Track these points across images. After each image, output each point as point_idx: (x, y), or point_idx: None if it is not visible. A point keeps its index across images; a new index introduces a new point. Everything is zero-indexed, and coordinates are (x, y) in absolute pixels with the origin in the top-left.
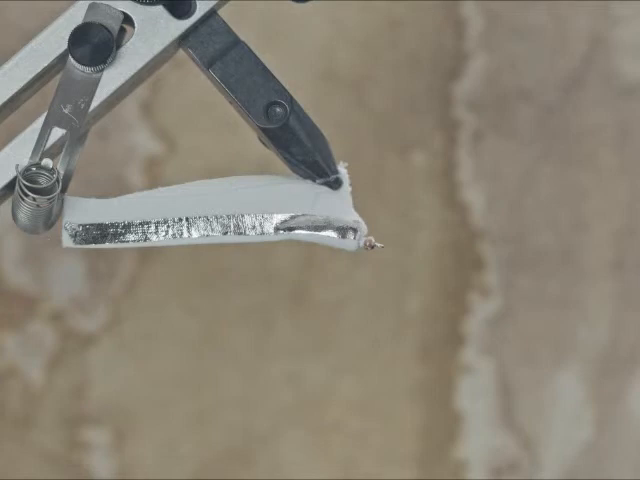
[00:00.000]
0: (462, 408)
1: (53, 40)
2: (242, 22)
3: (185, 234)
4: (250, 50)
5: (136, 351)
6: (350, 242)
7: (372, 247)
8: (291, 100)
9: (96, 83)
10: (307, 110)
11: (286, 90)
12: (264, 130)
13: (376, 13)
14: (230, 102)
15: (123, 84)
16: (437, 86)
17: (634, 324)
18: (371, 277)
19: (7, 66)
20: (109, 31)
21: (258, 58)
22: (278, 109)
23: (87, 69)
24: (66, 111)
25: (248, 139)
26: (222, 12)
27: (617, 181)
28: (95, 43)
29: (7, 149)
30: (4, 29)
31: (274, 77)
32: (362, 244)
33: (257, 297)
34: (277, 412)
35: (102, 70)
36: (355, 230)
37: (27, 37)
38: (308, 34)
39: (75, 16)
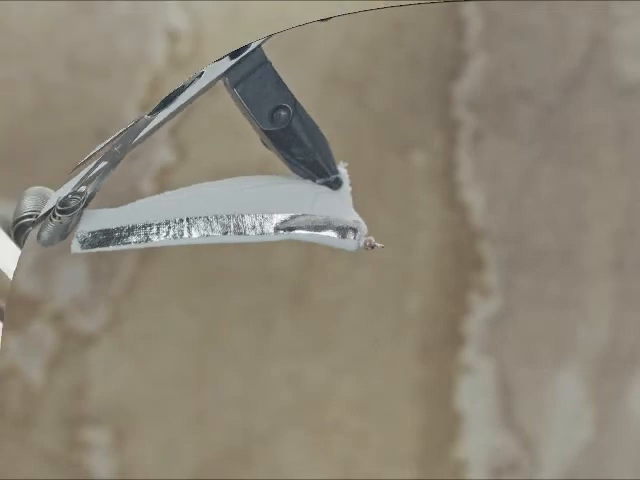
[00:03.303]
0: (462, 408)
1: None
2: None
3: (185, 234)
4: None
5: (136, 351)
6: (350, 242)
7: (372, 247)
8: (294, 103)
9: (148, 123)
10: (307, 110)
11: (291, 94)
12: (267, 132)
13: (377, 13)
14: (235, 103)
15: (167, 117)
16: (437, 86)
17: (634, 324)
18: (371, 277)
19: None
20: None
21: (274, 69)
22: (283, 112)
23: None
24: (116, 149)
25: (253, 144)
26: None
27: (617, 181)
28: None
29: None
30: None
31: (284, 84)
32: (362, 244)
33: (257, 297)
34: (277, 412)
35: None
36: (355, 230)
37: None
38: (311, 36)
39: None
